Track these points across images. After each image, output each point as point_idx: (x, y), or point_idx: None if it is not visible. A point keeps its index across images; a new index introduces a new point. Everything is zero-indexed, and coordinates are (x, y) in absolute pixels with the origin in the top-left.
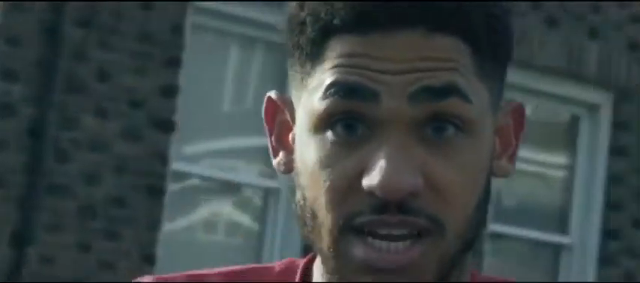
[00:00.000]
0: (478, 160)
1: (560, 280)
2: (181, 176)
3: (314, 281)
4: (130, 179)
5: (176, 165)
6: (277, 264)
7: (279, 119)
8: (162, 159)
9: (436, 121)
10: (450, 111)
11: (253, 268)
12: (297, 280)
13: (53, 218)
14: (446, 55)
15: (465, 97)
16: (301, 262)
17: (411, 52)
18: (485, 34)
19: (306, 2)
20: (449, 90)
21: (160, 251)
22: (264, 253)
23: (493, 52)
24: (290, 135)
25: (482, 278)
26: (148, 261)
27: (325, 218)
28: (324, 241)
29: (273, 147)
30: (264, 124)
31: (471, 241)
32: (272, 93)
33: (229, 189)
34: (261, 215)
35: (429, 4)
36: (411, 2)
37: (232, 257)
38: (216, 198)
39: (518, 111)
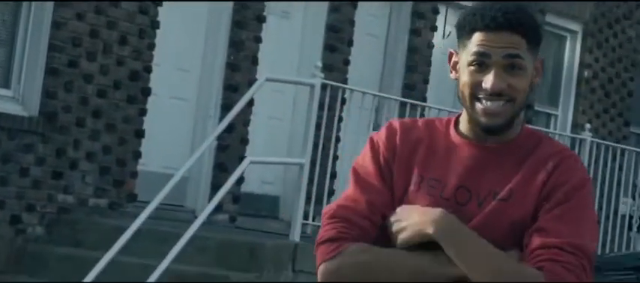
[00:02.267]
0: (526, 79)
1: None
2: None
3: (461, 122)
4: None
5: None
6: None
7: (453, 60)
8: None
9: (512, 66)
10: (517, 63)
11: (439, 118)
12: (454, 118)
13: None
14: (515, 41)
15: (522, 59)
16: (454, 116)
17: (503, 40)
18: (530, 33)
19: (467, 14)
20: (516, 56)
21: None
22: None
23: (532, 39)
24: (456, 66)
25: (530, 129)
26: None
27: (467, 96)
28: (468, 105)
29: (451, 70)
30: (448, 62)
31: (523, 108)
32: (451, 49)
33: None
34: None
35: (509, 20)
36: (504, 19)
37: None
38: None
39: (541, 62)
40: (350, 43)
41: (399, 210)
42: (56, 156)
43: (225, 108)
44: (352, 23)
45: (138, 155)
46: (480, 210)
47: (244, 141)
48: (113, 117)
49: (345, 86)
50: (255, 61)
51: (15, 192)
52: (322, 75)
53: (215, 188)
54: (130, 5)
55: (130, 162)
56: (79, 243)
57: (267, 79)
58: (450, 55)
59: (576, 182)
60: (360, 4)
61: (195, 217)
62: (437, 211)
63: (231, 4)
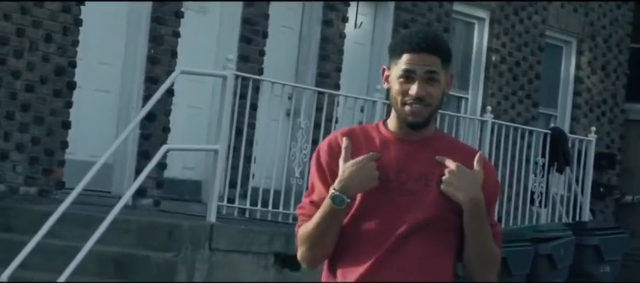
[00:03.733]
0: (440, 89)
1: None
2: None
3: (389, 122)
4: None
5: None
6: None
7: (386, 74)
8: None
9: (430, 79)
10: (434, 77)
11: (369, 124)
12: (381, 121)
13: None
14: (433, 61)
15: (437, 73)
16: (381, 120)
17: (424, 60)
18: (443, 54)
19: (397, 40)
20: (433, 71)
21: None
22: None
23: (445, 58)
24: (388, 79)
25: (442, 133)
26: None
27: (398, 100)
28: (398, 107)
29: (384, 81)
30: (382, 76)
31: (437, 111)
32: (384, 66)
33: None
34: None
35: (428, 45)
36: (425, 44)
37: None
38: None
39: (451, 77)
40: (265, 35)
41: (453, 173)
42: None
43: (147, 99)
44: (266, 16)
45: (65, 145)
46: (416, 187)
47: (166, 130)
48: (41, 110)
49: (255, 76)
50: (174, 54)
51: None
52: (234, 67)
53: (139, 174)
54: (54, 5)
55: (57, 152)
56: (10, 228)
57: (182, 72)
58: (383, 71)
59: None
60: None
61: None
62: (478, 186)
63: (149, 3)
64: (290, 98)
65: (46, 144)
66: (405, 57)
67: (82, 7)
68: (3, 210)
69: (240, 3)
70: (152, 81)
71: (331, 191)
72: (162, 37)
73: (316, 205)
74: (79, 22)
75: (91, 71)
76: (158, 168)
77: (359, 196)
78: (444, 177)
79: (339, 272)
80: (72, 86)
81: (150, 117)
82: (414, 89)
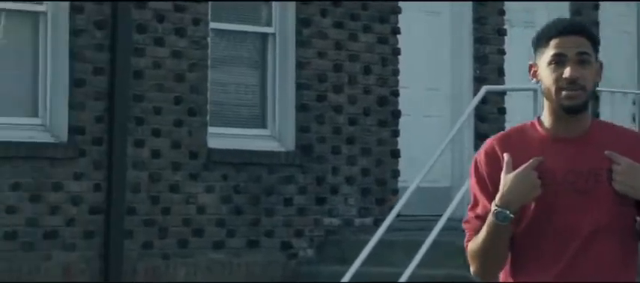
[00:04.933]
0: (593, 71)
1: None
2: None
3: (544, 119)
4: None
5: None
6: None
7: (533, 70)
8: None
9: (582, 61)
10: (586, 59)
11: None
12: (537, 119)
13: None
14: (583, 42)
15: (589, 55)
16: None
17: (574, 42)
18: (592, 36)
19: (542, 30)
20: (584, 53)
21: None
22: None
23: (594, 41)
24: (536, 73)
25: (598, 121)
26: None
27: (552, 89)
28: (552, 96)
29: (532, 77)
30: (529, 73)
31: (592, 97)
32: (530, 62)
33: None
34: None
35: (577, 27)
36: (573, 26)
37: None
38: None
39: (600, 64)
40: None
41: (623, 170)
42: (317, 183)
43: (480, 119)
44: (597, 24)
45: (396, 173)
46: (588, 185)
47: None
48: (367, 141)
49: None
50: (501, 73)
51: (282, 220)
52: None
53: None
54: (369, 37)
55: (389, 181)
56: (346, 261)
57: (487, 91)
58: (530, 67)
59: None
60: (602, 4)
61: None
62: None
63: (470, 23)
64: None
65: (376, 174)
66: (554, 42)
67: (398, 36)
68: (338, 243)
69: (567, 7)
70: (482, 102)
71: (493, 207)
72: (486, 55)
73: (482, 219)
74: (397, 52)
75: (416, 98)
76: None
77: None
78: (615, 176)
79: (521, 276)
80: (397, 114)
81: (481, 135)
82: (567, 71)
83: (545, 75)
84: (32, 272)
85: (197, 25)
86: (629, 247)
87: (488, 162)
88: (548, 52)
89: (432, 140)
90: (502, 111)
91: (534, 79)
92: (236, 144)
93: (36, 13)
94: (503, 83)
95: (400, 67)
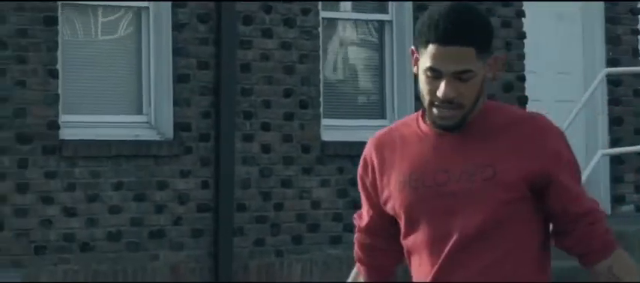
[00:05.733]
0: (476, 85)
1: None
2: None
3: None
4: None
5: None
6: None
7: (415, 56)
8: None
9: (462, 78)
10: (465, 76)
11: (411, 115)
12: (421, 111)
13: None
14: (464, 54)
15: (470, 71)
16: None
17: (453, 55)
18: (479, 41)
19: (423, 22)
20: (464, 71)
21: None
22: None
23: (482, 45)
24: (417, 62)
25: (492, 104)
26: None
27: (425, 99)
28: (425, 105)
29: (414, 64)
30: (412, 58)
31: (474, 106)
32: (412, 47)
33: None
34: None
35: (459, 34)
36: (454, 33)
37: None
38: None
39: (496, 58)
40: None
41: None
42: None
43: (613, 103)
44: None
45: None
46: (459, 186)
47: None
48: None
49: None
50: (635, 54)
51: None
52: None
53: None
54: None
55: None
56: None
57: (608, 74)
58: (412, 52)
59: (556, 145)
60: None
61: None
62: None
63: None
64: None
65: None
66: (431, 49)
67: (523, 19)
68: None
69: None
70: (614, 84)
71: None
72: (619, 37)
73: (365, 228)
74: (522, 35)
75: (546, 82)
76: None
77: (400, 209)
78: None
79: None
80: (524, 100)
81: (617, 121)
82: (441, 90)
83: (421, 79)
84: (138, 272)
85: (306, 15)
86: (527, 247)
87: (364, 166)
88: (424, 60)
89: (563, 126)
90: (638, 93)
91: (415, 69)
92: (351, 136)
93: (138, 9)
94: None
95: (526, 50)
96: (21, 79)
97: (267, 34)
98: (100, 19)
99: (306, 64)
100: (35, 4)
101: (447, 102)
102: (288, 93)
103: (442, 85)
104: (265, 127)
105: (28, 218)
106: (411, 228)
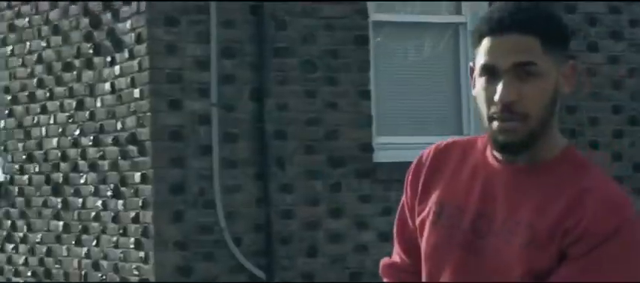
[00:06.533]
0: (545, 88)
1: None
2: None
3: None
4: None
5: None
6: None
7: (474, 76)
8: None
9: (525, 73)
10: (530, 71)
11: (483, 136)
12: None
13: (281, 75)
14: (526, 44)
15: (535, 65)
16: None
17: (511, 45)
18: (545, 31)
19: (480, 18)
20: (527, 63)
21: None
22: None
23: (549, 38)
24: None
25: (576, 154)
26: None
27: (483, 114)
28: (484, 121)
29: (473, 86)
30: (470, 77)
31: (545, 124)
32: (471, 63)
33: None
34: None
35: (517, 20)
36: (510, 19)
37: None
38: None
39: (573, 66)
40: None
41: None
42: None
43: None
44: None
45: None
46: (494, 241)
47: None
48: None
49: None
50: None
51: None
52: None
53: None
54: None
55: None
56: None
57: None
58: (471, 71)
59: (604, 229)
60: None
61: None
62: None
63: None
64: None
65: None
66: (485, 44)
67: None
68: None
69: None
70: None
71: None
72: None
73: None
74: None
75: None
76: None
77: (425, 244)
78: None
79: None
80: None
81: None
82: (498, 92)
83: (477, 89)
84: None
85: (635, 27)
86: None
87: (415, 173)
88: (479, 58)
89: None
90: None
91: (474, 91)
92: None
93: (456, 25)
94: None
95: None
96: (332, 101)
97: (593, 47)
98: (415, 37)
99: (635, 78)
100: (344, 22)
101: (506, 108)
102: (616, 110)
103: (500, 87)
104: (593, 145)
105: (342, 244)
106: (435, 273)
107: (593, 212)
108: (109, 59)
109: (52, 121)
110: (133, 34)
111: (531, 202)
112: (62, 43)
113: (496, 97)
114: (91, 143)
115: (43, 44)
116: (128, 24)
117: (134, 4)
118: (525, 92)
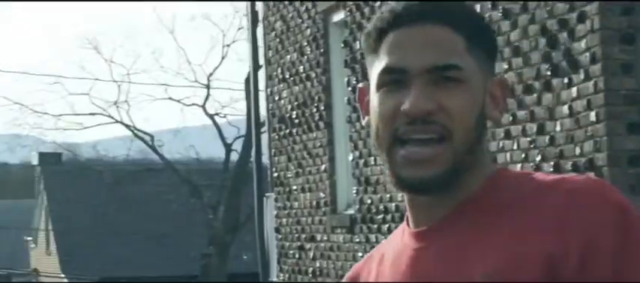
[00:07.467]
0: (470, 96)
1: None
2: None
3: None
4: None
5: None
6: None
7: (365, 99)
8: None
9: (444, 78)
10: (452, 75)
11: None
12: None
13: None
14: (445, 39)
15: (458, 68)
16: None
17: (426, 38)
18: (469, 27)
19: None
20: (448, 66)
21: None
22: None
23: (475, 37)
24: (368, 107)
25: (508, 173)
26: None
27: (382, 139)
28: (384, 154)
29: (364, 114)
30: (359, 102)
31: (472, 148)
32: (361, 84)
33: None
34: None
35: (435, 6)
36: (423, 6)
37: None
38: None
39: (503, 83)
40: None
41: None
42: None
43: None
44: None
45: None
46: None
47: None
48: None
49: None
50: None
51: None
52: None
53: None
54: None
55: None
56: None
57: None
58: (361, 95)
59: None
60: None
61: None
62: None
63: None
64: None
65: None
66: (389, 41)
67: None
68: None
69: None
70: None
71: None
72: None
73: None
74: None
75: None
76: None
77: None
78: None
79: None
80: None
81: None
82: (407, 102)
83: (373, 106)
84: None
85: None
86: None
87: None
88: (377, 64)
89: None
90: None
91: (366, 119)
92: None
93: None
94: None
95: None
96: None
97: None
98: None
99: None
100: None
101: (420, 120)
102: None
103: (411, 94)
104: None
105: None
106: None
107: (580, 217)
108: (566, 81)
109: (515, 146)
110: (588, 54)
111: (480, 252)
112: (523, 65)
113: (405, 106)
114: (552, 169)
115: (505, 66)
116: (583, 43)
117: (588, 21)
118: (445, 102)
